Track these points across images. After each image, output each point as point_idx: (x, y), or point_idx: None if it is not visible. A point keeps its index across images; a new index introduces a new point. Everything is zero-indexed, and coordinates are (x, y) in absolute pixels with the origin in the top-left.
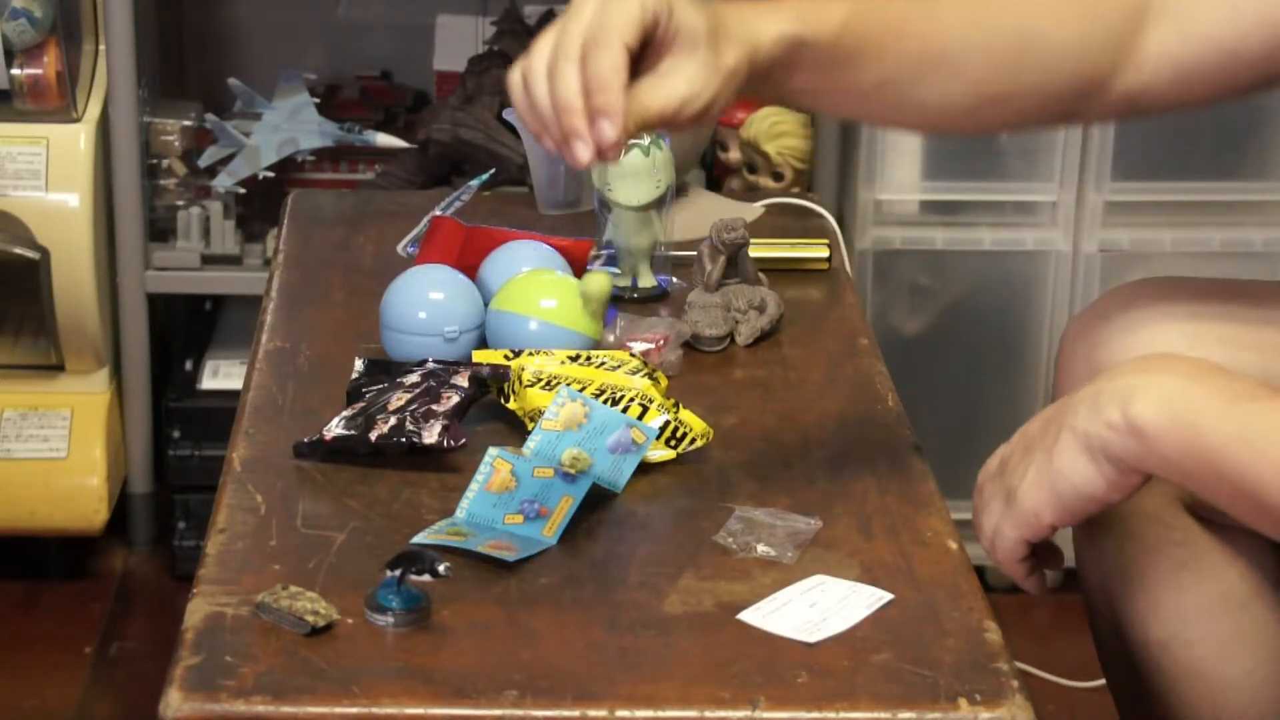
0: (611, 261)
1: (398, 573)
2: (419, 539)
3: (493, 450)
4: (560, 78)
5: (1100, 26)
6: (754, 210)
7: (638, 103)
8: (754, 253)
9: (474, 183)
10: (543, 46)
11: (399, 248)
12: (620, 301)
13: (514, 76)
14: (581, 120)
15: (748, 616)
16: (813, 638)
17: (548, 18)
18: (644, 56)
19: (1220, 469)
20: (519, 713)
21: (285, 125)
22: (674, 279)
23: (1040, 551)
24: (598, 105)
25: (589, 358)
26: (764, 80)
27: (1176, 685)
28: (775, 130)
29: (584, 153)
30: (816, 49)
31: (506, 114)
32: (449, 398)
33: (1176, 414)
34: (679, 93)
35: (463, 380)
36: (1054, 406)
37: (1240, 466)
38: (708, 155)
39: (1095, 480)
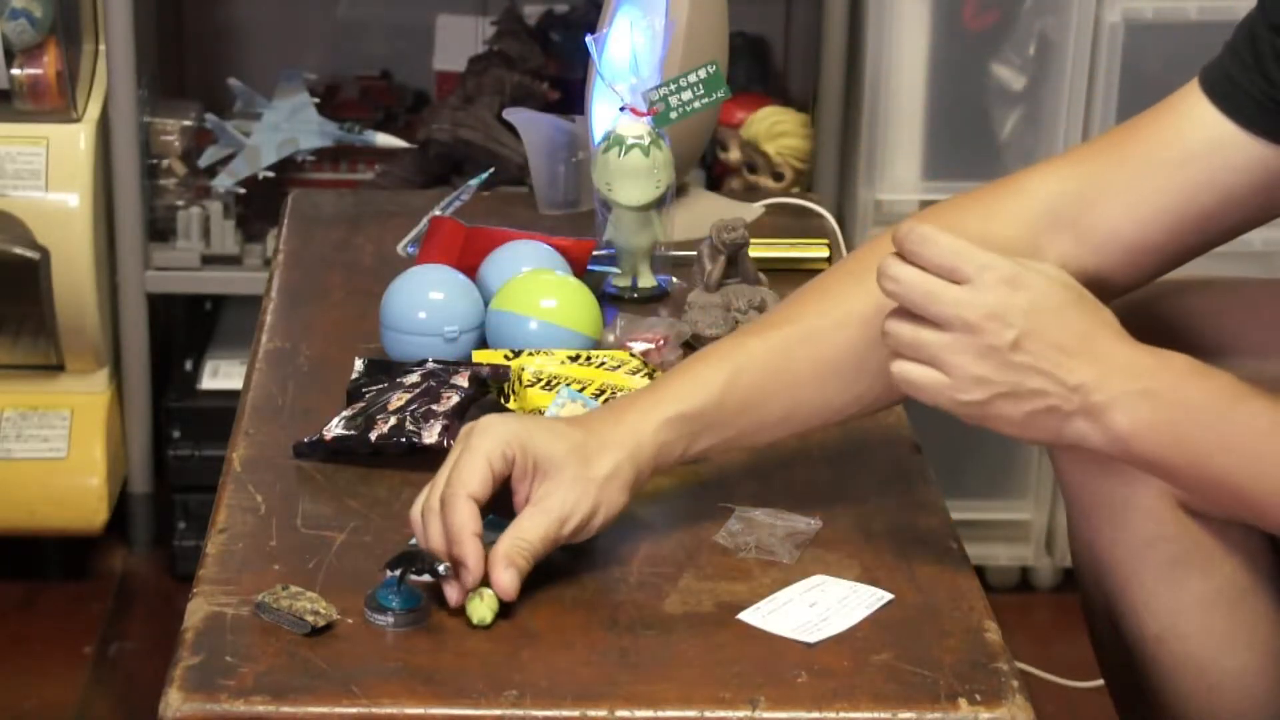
0: (611, 261)
1: (397, 573)
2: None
3: None
4: (429, 528)
5: None
6: (754, 210)
7: (521, 536)
8: (754, 253)
9: (474, 182)
10: (422, 496)
11: (399, 248)
12: (620, 301)
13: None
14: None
15: (748, 616)
16: (813, 638)
17: (548, 17)
18: (518, 490)
19: (1204, 474)
20: (519, 713)
21: (285, 125)
22: (674, 279)
23: None
24: (455, 555)
25: (589, 358)
26: (670, 460)
27: (1172, 679)
28: (775, 130)
29: (452, 595)
30: (705, 416)
31: (506, 114)
32: (449, 398)
33: (1155, 424)
34: (553, 515)
35: (463, 380)
36: (1049, 359)
37: (1227, 472)
38: (708, 155)
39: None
